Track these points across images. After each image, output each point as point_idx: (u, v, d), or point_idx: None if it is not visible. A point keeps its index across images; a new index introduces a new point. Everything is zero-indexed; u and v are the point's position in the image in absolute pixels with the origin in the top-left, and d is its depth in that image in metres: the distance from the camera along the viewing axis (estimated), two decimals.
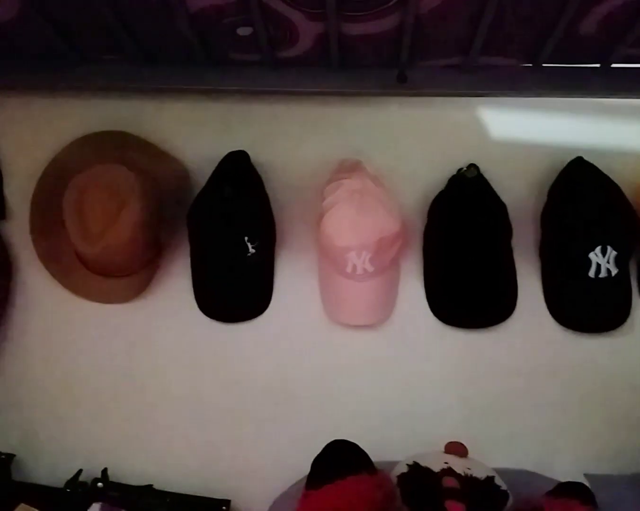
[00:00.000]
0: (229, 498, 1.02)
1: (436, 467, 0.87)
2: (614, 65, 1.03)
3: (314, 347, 1.09)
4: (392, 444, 0.96)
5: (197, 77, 1.06)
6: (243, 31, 0.96)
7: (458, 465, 0.88)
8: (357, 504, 0.79)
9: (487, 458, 0.94)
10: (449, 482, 0.83)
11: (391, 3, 0.87)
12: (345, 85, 1.06)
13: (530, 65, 1.04)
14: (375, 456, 0.92)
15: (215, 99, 1.12)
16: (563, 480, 0.91)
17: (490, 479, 0.87)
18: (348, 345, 1.09)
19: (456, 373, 1.08)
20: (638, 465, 1.00)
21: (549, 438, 1.05)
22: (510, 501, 0.87)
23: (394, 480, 0.88)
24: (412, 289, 1.10)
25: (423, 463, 0.88)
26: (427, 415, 1.07)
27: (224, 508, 1.00)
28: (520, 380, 1.07)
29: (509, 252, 1.09)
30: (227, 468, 1.05)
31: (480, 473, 0.87)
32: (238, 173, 1.06)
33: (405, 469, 0.89)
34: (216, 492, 1.02)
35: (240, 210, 1.04)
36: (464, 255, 1.06)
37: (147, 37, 1.00)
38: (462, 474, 0.85)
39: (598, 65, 1.04)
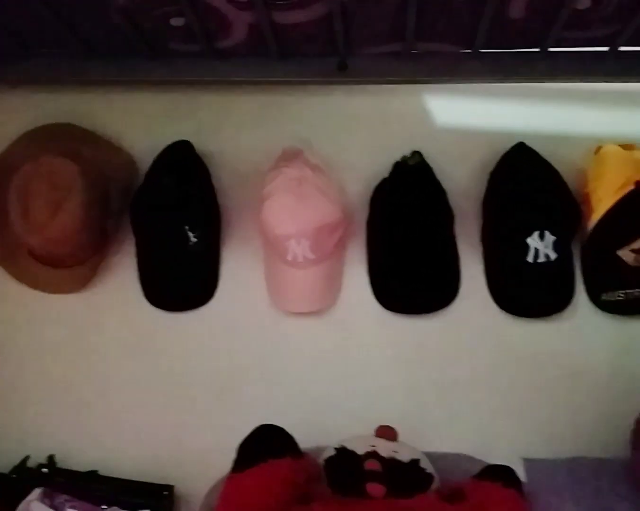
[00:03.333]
0: (172, 484, 1.03)
1: (361, 450, 0.87)
2: (551, 49, 1.02)
3: (259, 334, 1.10)
4: (335, 430, 0.97)
5: (140, 69, 1.08)
6: (176, 21, 0.97)
7: (384, 448, 0.88)
8: (277, 487, 0.80)
9: (427, 443, 0.95)
10: (370, 465, 0.84)
11: None
12: (286, 75, 1.07)
13: (469, 50, 1.04)
14: (317, 441, 0.93)
15: (161, 90, 1.13)
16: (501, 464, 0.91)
17: (414, 462, 0.88)
18: (293, 333, 1.10)
19: (400, 359, 1.09)
20: (576, 449, 1.00)
21: (489, 422, 1.05)
22: (436, 484, 0.88)
23: (322, 463, 0.89)
24: (356, 276, 1.10)
25: (350, 447, 0.89)
26: (370, 400, 1.07)
27: (165, 493, 1.01)
28: (462, 365, 1.07)
29: (451, 237, 1.09)
30: (171, 454, 1.05)
31: (405, 457, 0.88)
32: (179, 163, 1.07)
33: (332, 452, 0.89)
34: (160, 478, 1.03)
35: (180, 200, 1.05)
36: (406, 242, 1.06)
37: (85, 31, 1.01)
38: (386, 457, 0.86)
39: (537, 49, 1.04)
